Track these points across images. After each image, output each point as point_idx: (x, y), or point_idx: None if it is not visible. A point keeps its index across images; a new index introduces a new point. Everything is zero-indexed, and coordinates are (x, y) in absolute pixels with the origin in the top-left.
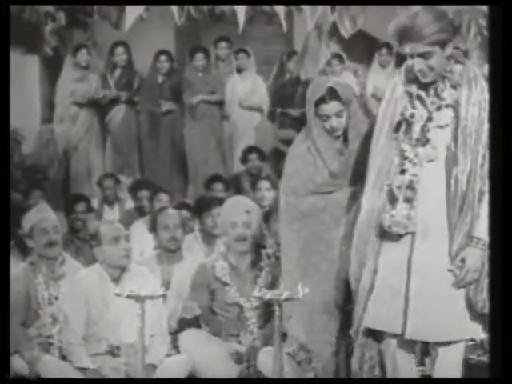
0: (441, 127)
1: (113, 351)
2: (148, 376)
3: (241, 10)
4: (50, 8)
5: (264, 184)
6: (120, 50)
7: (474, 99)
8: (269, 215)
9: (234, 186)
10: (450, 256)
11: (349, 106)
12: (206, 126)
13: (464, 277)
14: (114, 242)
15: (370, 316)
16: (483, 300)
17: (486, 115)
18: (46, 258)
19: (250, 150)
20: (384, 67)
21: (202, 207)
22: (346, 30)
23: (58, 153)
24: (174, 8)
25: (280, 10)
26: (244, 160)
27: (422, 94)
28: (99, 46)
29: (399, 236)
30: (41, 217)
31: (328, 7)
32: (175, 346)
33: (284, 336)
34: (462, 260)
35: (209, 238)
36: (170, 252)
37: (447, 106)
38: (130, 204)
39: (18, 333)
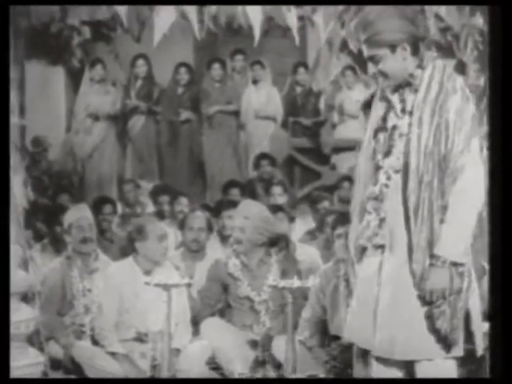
0: (401, 135)
1: (141, 337)
2: (173, 359)
3: (257, 24)
4: (75, 22)
5: (277, 189)
6: (141, 62)
7: (431, 105)
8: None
9: (249, 191)
10: (412, 273)
11: None
12: (223, 134)
13: (428, 297)
14: (159, 240)
15: (346, 327)
16: (447, 322)
17: (452, 123)
18: (80, 253)
19: (261, 156)
20: None
21: (219, 209)
22: (355, 44)
23: (79, 159)
24: (195, 24)
25: (293, 24)
26: (256, 166)
27: (393, 100)
28: (121, 58)
29: (374, 248)
30: (79, 215)
31: (338, 23)
32: (197, 333)
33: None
34: (425, 279)
35: (224, 237)
36: (193, 252)
37: (408, 113)
38: (150, 208)
39: (53, 320)
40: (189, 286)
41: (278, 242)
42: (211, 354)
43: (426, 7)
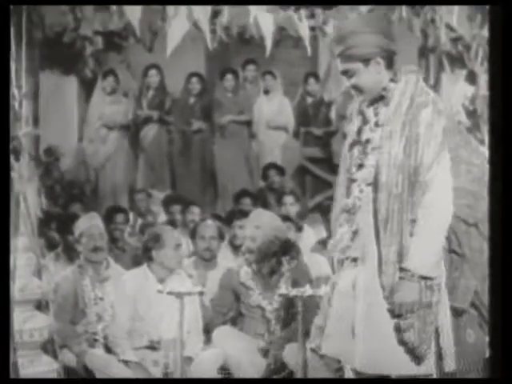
0: (373, 149)
1: (153, 345)
2: (185, 367)
3: (268, 35)
4: (88, 32)
5: (288, 199)
6: (153, 72)
7: (402, 119)
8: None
9: (261, 200)
10: (382, 286)
11: None
12: (235, 144)
13: (397, 310)
14: (175, 248)
15: (325, 341)
16: (416, 336)
17: (422, 136)
18: (92, 261)
19: (268, 167)
20: None
21: (231, 219)
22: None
23: (92, 169)
24: (207, 34)
25: (305, 34)
26: (264, 176)
27: (367, 113)
28: (133, 68)
29: (349, 260)
30: (90, 224)
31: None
32: (209, 342)
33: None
34: (394, 292)
35: (235, 246)
36: (204, 260)
37: (381, 126)
38: (162, 217)
39: (66, 329)
40: (201, 294)
41: (290, 250)
42: (223, 361)
43: (437, 17)
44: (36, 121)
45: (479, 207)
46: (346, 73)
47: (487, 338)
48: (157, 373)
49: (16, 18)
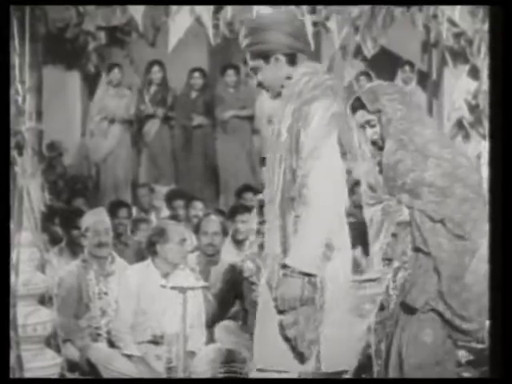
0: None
1: (156, 340)
2: (188, 361)
3: None
4: (91, 27)
5: None
6: (156, 68)
7: (290, 115)
8: None
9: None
10: (268, 282)
11: None
12: (237, 139)
13: (281, 305)
14: (180, 243)
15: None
16: (298, 332)
17: (303, 131)
18: (96, 256)
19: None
20: (406, 83)
21: (233, 214)
22: (369, 50)
23: (94, 163)
24: (210, 29)
25: (308, 30)
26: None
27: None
28: (136, 63)
29: None
30: (95, 219)
31: (352, 29)
32: (212, 336)
33: None
34: (277, 288)
35: (238, 241)
36: (208, 256)
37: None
38: (165, 212)
39: (70, 323)
40: (204, 289)
41: None
42: (226, 356)
43: (439, 13)
44: (39, 116)
45: (448, 203)
46: (253, 69)
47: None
48: (159, 367)
49: (19, 13)
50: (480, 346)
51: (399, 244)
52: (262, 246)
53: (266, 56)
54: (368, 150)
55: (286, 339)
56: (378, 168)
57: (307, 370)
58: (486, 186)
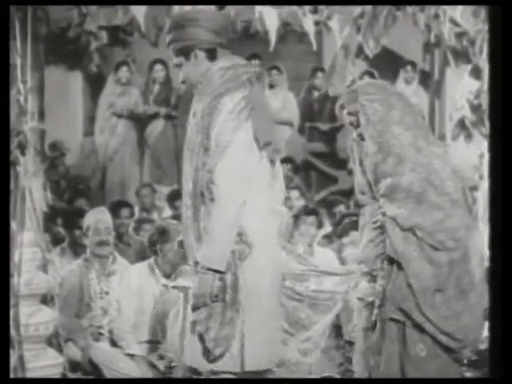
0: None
1: (158, 339)
2: None
3: (273, 30)
4: (93, 27)
5: (294, 193)
6: (158, 67)
7: (203, 111)
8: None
9: None
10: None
11: None
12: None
13: (195, 302)
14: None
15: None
16: (207, 328)
17: (212, 130)
18: (98, 255)
19: (285, 160)
20: (408, 84)
21: None
22: (371, 49)
23: (99, 162)
24: None
25: (310, 29)
26: None
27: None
28: (138, 63)
29: None
30: (96, 218)
31: (354, 28)
32: None
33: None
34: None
35: None
36: None
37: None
38: (167, 212)
39: (71, 322)
40: None
41: None
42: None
43: (441, 12)
44: (41, 116)
45: (419, 211)
46: (177, 66)
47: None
48: (161, 367)
49: (21, 13)
50: (482, 346)
51: (374, 250)
52: (181, 244)
53: (186, 52)
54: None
55: (200, 336)
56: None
57: (221, 368)
58: (469, 193)
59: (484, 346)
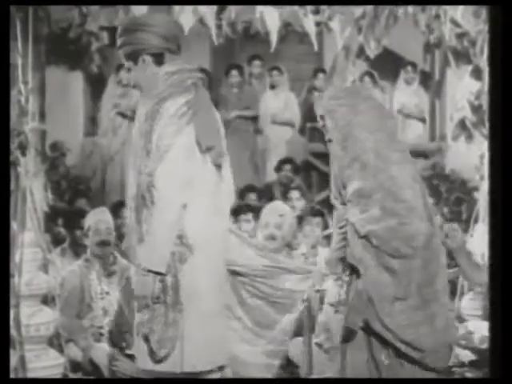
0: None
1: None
2: None
3: (274, 30)
4: (94, 27)
5: (294, 194)
6: None
7: (146, 115)
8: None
9: (266, 195)
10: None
11: None
12: (241, 139)
13: (137, 304)
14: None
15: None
16: (150, 330)
17: (154, 134)
18: (98, 256)
19: (285, 161)
20: (409, 84)
21: (237, 213)
22: (372, 50)
23: (99, 163)
24: (213, 29)
25: (311, 30)
26: (278, 169)
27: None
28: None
29: None
30: (97, 218)
31: (355, 29)
32: None
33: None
34: None
35: None
36: None
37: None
38: None
39: (72, 323)
40: None
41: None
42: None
43: (441, 13)
44: (42, 116)
45: (375, 218)
46: (128, 70)
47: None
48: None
49: (22, 13)
50: (483, 346)
51: (335, 254)
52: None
53: (134, 57)
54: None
55: (145, 338)
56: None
57: (165, 368)
58: (430, 201)
59: (446, 354)
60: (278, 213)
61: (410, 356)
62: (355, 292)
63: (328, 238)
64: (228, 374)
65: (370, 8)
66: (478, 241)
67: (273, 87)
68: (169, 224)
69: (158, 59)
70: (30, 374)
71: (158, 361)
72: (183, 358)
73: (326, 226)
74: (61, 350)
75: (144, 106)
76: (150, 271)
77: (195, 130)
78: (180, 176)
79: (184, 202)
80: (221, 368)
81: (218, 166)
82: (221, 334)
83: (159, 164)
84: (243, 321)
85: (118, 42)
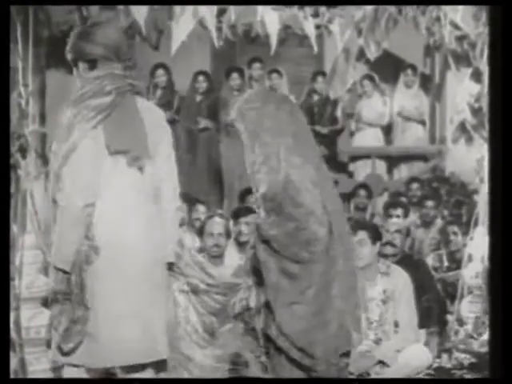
0: None
1: None
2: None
3: (274, 33)
4: None
5: None
6: (160, 71)
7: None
8: None
9: None
10: None
11: None
12: (241, 142)
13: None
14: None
15: None
16: (59, 325)
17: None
18: None
19: None
20: (409, 87)
21: (237, 216)
22: (372, 53)
23: None
24: (213, 32)
25: (311, 33)
26: None
27: None
28: (139, 67)
29: None
30: None
31: (355, 32)
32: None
33: None
34: None
35: (241, 243)
36: (213, 257)
37: None
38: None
39: None
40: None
41: None
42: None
43: (442, 16)
44: (42, 119)
45: (276, 222)
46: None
47: None
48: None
49: (23, 16)
50: (482, 349)
51: (248, 263)
52: None
53: (74, 63)
54: None
55: (55, 330)
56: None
57: (71, 361)
58: (329, 206)
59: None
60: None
61: (303, 364)
62: (259, 298)
63: None
64: (148, 374)
65: (370, 11)
66: (478, 244)
67: (272, 90)
68: (71, 225)
69: (92, 65)
70: (30, 377)
71: (65, 353)
72: (91, 355)
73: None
74: None
75: (68, 110)
76: (58, 269)
77: (104, 134)
78: (85, 178)
79: (87, 203)
80: (137, 368)
81: (140, 169)
82: (136, 335)
83: (64, 166)
84: (194, 325)
85: (67, 47)
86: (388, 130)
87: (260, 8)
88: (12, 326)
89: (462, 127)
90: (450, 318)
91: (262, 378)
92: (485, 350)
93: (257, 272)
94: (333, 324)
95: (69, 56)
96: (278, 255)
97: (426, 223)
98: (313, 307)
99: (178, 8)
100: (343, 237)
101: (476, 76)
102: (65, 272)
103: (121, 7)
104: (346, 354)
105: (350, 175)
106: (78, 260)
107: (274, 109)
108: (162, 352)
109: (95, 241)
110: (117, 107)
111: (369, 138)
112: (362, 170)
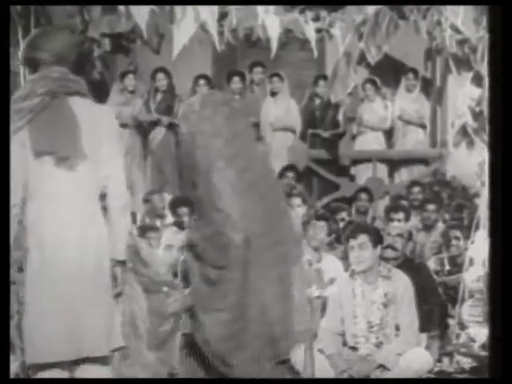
0: None
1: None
2: None
3: (274, 37)
4: (95, 34)
5: (296, 200)
6: (161, 75)
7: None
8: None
9: None
10: None
11: None
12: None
13: None
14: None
15: None
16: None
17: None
18: None
19: (288, 168)
20: (410, 91)
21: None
22: (373, 56)
23: None
24: (215, 36)
25: (312, 37)
26: (281, 176)
27: None
28: (141, 71)
29: None
30: None
31: (356, 36)
32: None
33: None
34: None
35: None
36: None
37: None
38: (169, 219)
39: None
40: None
41: None
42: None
43: (442, 19)
44: None
45: (196, 226)
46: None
47: None
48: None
49: (24, 20)
50: (484, 353)
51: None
52: None
53: (26, 66)
54: None
55: None
56: None
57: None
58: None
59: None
60: None
61: (220, 371)
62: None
63: (330, 244)
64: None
65: (370, 15)
66: (479, 247)
67: (273, 94)
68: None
69: (34, 69)
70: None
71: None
72: (25, 350)
73: (331, 232)
74: None
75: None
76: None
77: (29, 135)
78: (14, 178)
79: (14, 203)
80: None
81: (70, 169)
82: (68, 333)
83: None
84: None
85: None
86: (389, 133)
87: (261, 12)
88: (14, 330)
89: (463, 131)
90: (451, 321)
91: (256, 378)
92: (486, 353)
93: (186, 276)
94: (254, 332)
95: (21, 63)
96: (200, 260)
97: (428, 227)
98: (232, 314)
99: (179, 12)
100: (271, 246)
101: (477, 80)
102: None
103: (122, 11)
104: (283, 362)
105: (352, 179)
106: (12, 260)
107: (211, 112)
108: (88, 350)
109: (25, 241)
110: (46, 109)
111: (370, 142)
112: (363, 174)
